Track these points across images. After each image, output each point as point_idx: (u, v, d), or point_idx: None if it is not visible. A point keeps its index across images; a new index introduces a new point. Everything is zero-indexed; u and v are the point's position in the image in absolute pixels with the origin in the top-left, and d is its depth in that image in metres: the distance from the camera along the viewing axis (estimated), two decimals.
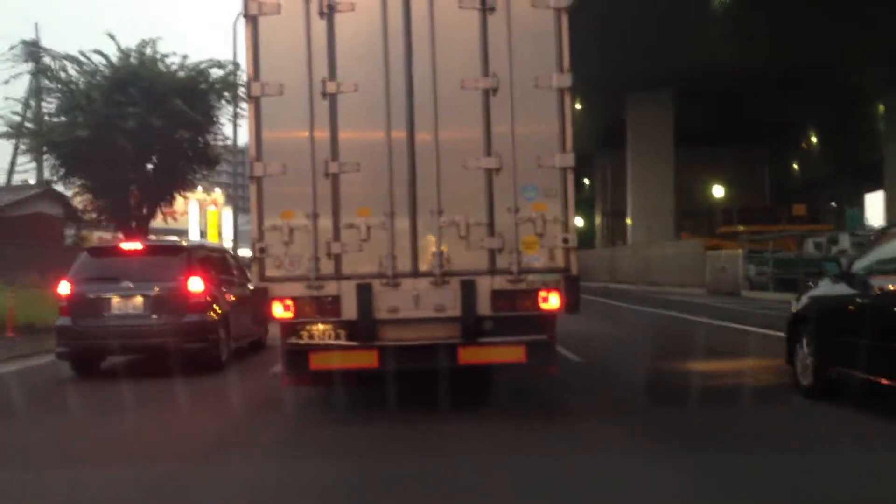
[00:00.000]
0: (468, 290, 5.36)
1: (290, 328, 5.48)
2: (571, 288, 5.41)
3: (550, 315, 5.49)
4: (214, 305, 8.76)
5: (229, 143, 20.78)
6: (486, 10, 5.37)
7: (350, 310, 5.36)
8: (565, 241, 5.39)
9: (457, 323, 5.40)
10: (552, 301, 5.39)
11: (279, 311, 5.37)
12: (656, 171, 31.57)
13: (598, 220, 47.10)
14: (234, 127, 24.28)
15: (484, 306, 5.38)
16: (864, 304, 5.72)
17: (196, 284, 8.49)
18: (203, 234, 30.71)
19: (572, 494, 3.91)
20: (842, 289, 6.03)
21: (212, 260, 9.69)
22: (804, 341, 6.29)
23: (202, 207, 30.88)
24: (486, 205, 5.38)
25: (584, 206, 49.40)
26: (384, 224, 5.37)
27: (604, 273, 34.46)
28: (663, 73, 28.17)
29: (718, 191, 40.74)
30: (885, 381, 5.23)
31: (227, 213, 34.88)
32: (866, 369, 5.37)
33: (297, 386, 5.96)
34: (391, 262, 5.37)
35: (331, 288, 5.37)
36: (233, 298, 9.51)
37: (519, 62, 5.37)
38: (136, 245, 9.31)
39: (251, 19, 5.37)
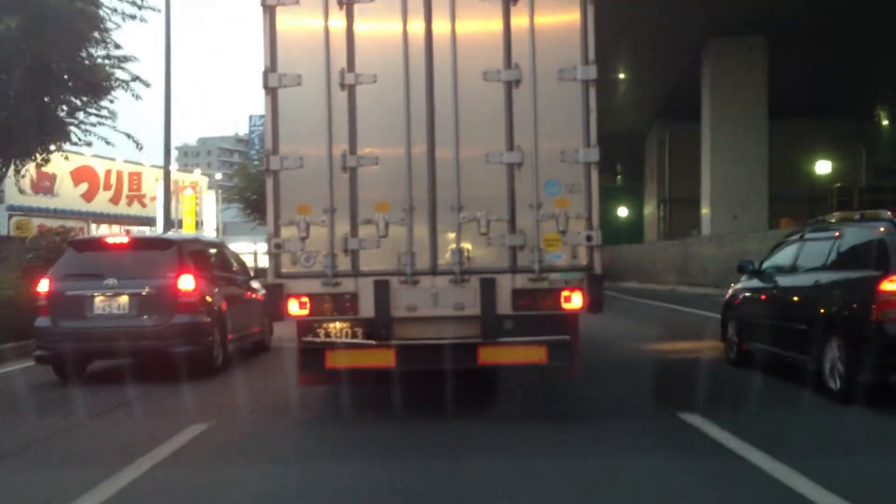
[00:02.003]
0: (488, 288, 6.66)
1: (305, 326, 6.84)
2: (595, 287, 6.69)
3: (573, 315, 6.79)
4: (208, 305, 10.11)
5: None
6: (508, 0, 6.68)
7: (367, 307, 6.70)
8: (589, 238, 6.68)
9: (476, 322, 6.71)
10: (575, 300, 6.68)
11: (295, 308, 6.73)
12: (744, 142, 29.62)
13: (648, 209, 47.76)
14: (167, 41, 20.31)
15: (504, 305, 6.68)
16: (764, 294, 9.59)
17: (187, 282, 9.79)
18: (177, 223, 32.18)
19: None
20: (754, 283, 9.94)
21: (206, 255, 11.14)
22: (730, 323, 10.24)
23: (177, 191, 32.41)
24: (508, 201, 6.68)
25: (629, 195, 50.35)
26: (403, 220, 6.68)
27: (669, 272, 34.79)
28: (753, 11, 26.64)
29: (820, 169, 40.70)
30: (773, 350, 8.95)
31: (209, 199, 36.43)
32: (765, 342, 9.16)
33: (312, 385, 7.34)
34: (410, 258, 6.68)
35: (348, 285, 6.71)
36: (231, 297, 10.95)
37: (542, 53, 6.65)
38: (121, 239, 10.71)
39: (269, 9, 6.71)
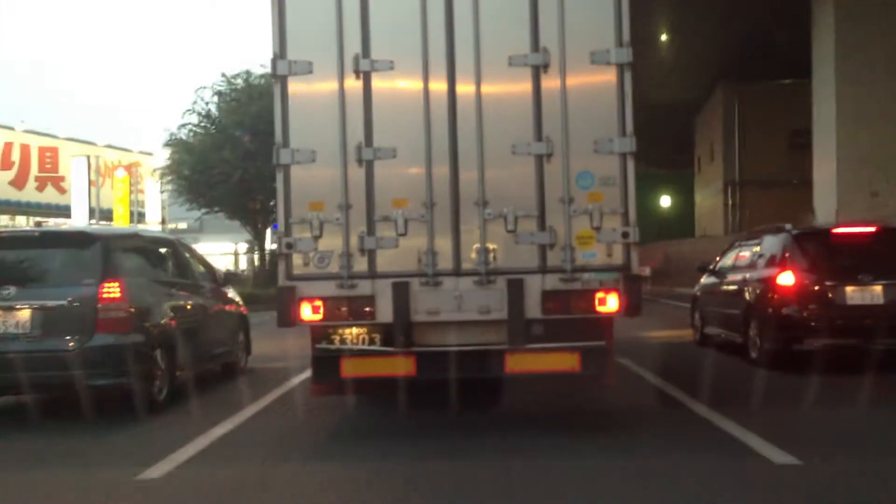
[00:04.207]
0: (516, 290, 8.13)
1: (319, 332, 8.35)
2: (632, 288, 8.18)
3: (607, 319, 8.30)
4: (145, 321, 10.05)
5: None
6: None
7: (385, 312, 8.19)
8: (625, 235, 8.14)
9: (503, 327, 8.20)
10: (610, 303, 8.18)
11: (308, 312, 8.22)
12: (886, 94, 26.53)
13: (702, 196, 48.93)
14: None
15: (533, 308, 8.16)
16: (715, 288, 15.92)
17: (112, 290, 9.57)
18: (97, 214, 32.43)
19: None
20: (712, 279, 16.28)
21: (149, 255, 11.41)
22: (696, 312, 16.84)
23: (104, 174, 32.77)
24: (536, 195, 8.16)
25: (672, 180, 51.73)
26: (423, 217, 8.16)
27: None
28: None
29: None
30: (720, 331, 15.38)
31: (155, 186, 36.97)
32: (716, 325, 15.70)
33: (326, 395, 8.86)
34: (431, 258, 8.16)
35: (364, 287, 8.19)
36: (185, 309, 11.39)
37: (572, 35, 8.12)
38: (29, 233, 10.56)
39: None
